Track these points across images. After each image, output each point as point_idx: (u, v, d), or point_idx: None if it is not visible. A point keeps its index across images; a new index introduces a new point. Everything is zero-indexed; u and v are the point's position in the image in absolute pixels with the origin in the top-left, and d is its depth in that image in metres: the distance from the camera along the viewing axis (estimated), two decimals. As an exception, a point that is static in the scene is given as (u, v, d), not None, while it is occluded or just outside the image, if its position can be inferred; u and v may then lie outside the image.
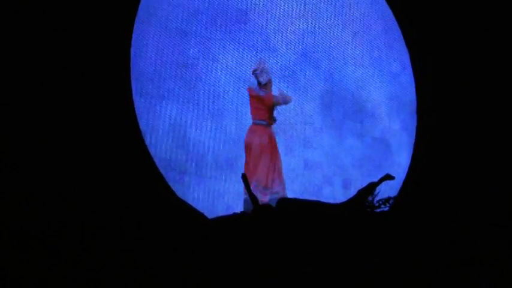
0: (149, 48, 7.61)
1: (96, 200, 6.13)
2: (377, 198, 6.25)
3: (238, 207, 7.45)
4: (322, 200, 7.02)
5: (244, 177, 6.74)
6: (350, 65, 8.94)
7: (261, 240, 5.38)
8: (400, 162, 8.83)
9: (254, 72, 8.03)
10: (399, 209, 6.32)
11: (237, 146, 7.90)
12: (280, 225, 5.63)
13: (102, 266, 5.07)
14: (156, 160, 7.28)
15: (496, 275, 5.30)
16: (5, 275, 4.89)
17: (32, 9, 6.54)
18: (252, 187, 6.99)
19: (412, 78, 9.24)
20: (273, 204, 6.60)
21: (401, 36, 9.32)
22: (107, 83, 6.91)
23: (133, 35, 7.41)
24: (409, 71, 9.29)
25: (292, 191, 8.02)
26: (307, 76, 8.62)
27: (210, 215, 6.71)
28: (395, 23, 9.29)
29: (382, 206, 6.19)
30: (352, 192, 6.72)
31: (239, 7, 8.29)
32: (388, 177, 6.53)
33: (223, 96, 7.98)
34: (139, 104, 7.37)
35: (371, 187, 6.37)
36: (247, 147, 7.82)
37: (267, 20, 8.51)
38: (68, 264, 5.07)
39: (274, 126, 8.08)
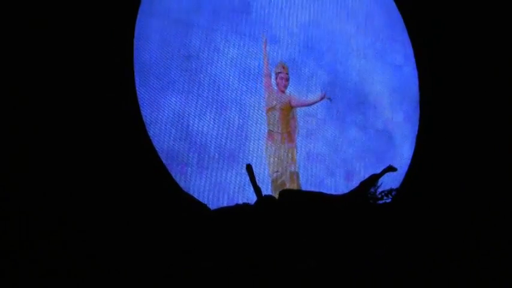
0: (152, 39, 7.60)
1: (99, 191, 6.14)
2: (379, 190, 6.23)
3: (242, 199, 7.46)
4: (325, 191, 7.02)
5: (249, 168, 6.74)
6: (353, 57, 8.95)
7: (264, 231, 5.39)
8: (402, 154, 8.84)
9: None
10: (401, 201, 6.31)
11: (240, 137, 7.90)
12: (282, 216, 5.64)
13: (104, 258, 5.09)
14: (159, 151, 7.29)
15: (498, 266, 5.32)
16: (5, 275, 4.91)
17: (35, 3, 6.55)
18: None
19: (415, 70, 9.24)
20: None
21: (405, 28, 9.32)
22: (110, 74, 6.91)
23: (137, 27, 7.42)
24: (412, 62, 9.29)
25: (295, 183, 8.07)
26: (310, 67, 8.62)
27: (212, 206, 6.72)
28: (399, 15, 9.29)
29: (385, 197, 6.17)
30: (355, 183, 6.72)
31: (242, -2, 8.31)
32: (391, 168, 6.52)
33: (226, 88, 7.97)
34: (143, 95, 7.36)
35: (373, 179, 6.35)
36: None
37: (270, 11, 8.50)
38: (70, 257, 5.08)
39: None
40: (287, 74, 8.39)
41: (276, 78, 8.33)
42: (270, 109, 8.22)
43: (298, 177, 8.15)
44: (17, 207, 5.65)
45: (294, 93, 8.40)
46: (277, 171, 8.04)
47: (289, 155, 8.17)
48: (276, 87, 8.29)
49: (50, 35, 6.59)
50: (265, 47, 8.30)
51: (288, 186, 7.95)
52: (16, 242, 5.20)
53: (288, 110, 8.31)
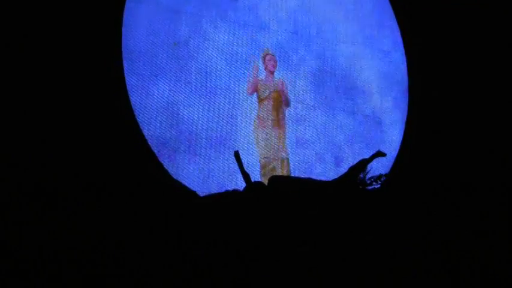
0: (140, 26, 7.58)
1: (88, 178, 6.13)
2: (369, 176, 6.25)
3: (231, 185, 7.46)
4: (314, 177, 7.03)
5: (237, 155, 6.74)
6: (342, 43, 8.94)
7: (254, 217, 5.40)
8: (391, 140, 8.85)
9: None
10: (391, 187, 6.33)
11: (229, 124, 7.90)
12: (272, 202, 5.65)
13: (95, 246, 5.08)
14: (148, 138, 7.29)
15: (488, 250, 5.35)
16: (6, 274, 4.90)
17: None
18: None
19: (404, 56, 9.25)
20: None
21: (393, 14, 9.31)
22: (98, 62, 6.89)
23: (125, 13, 7.39)
24: (400, 48, 9.30)
25: (285, 169, 8.09)
26: (298, 54, 8.61)
27: (202, 193, 6.73)
28: (387, 1, 9.29)
29: (374, 183, 6.19)
30: (344, 169, 6.72)
31: (230, -16, 8.29)
32: (380, 154, 6.52)
33: (215, 74, 7.97)
34: (131, 82, 7.35)
35: (362, 164, 6.36)
36: None
37: (258, -3, 8.51)
38: (63, 245, 5.08)
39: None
40: (273, 55, 8.39)
41: (264, 61, 8.32)
42: (262, 99, 8.23)
43: (288, 163, 8.16)
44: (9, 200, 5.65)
45: (283, 79, 8.40)
46: (267, 157, 8.05)
47: (280, 141, 8.18)
48: (265, 72, 8.29)
49: (36, 21, 6.56)
50: (256, 71, 8.29)
51: (278, 172, 7.97)
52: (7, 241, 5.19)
53: (280, 97, 8.32)
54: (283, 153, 8.12)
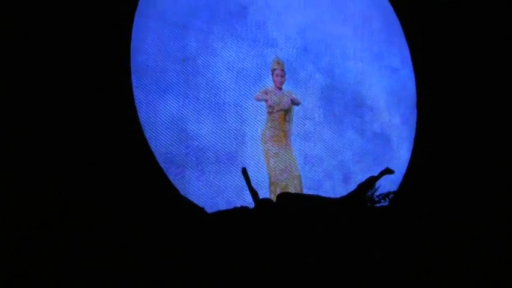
0: (149, 41, 7.58)
1: (96, 194, 6.12)
2: (377, 193, 6.23)
3: (239, 202, 7.44)
4: (322, 194, 7.02)
5: (245, 172, 6.72)
6: (350, 60, 8.95)
7: (262, 234, 5.37)
8: (400, 157, 8.86)
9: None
10: (399, 204, 6.31)
11: (238, 140, 7.89)
12: (280, 219, 5.63)
13: (101, 263, 5.07)
14: (156, 154, 7.28)
15: (496, 270, 5.31)
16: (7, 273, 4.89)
17: (32, 3, 6.54)
18: None
19: (412, 73, 9.26)
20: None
21: (402, 32, 9.33)
22: (106, 76, 6.90)
23: (133, 29, 7.40)
24: (409, 66, 9.31)
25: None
26: (307, 70, 8.62)
27: (210, 209, 6.71)
28: (396, 17, 9.31)
29: (382, 200, 6.17)
30: (352, 186, 6.70)
31: (239, 1, 8.28)
32: (388, 171, 6.51)
33: (223, 90, 7.96)
34: (139, 97, 7.34)
35: (371, 181, 6.34)
36: None
37: (267, 14, 8.50)
38: (67, 262, 5.07)
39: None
40: (282, 70, 8.39)
41: (272, 75, 8.33)
42: (271, 112, 8.23)
43: (300, 180, 8.15)
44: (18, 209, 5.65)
45: (292, 92, 8.42)
46: (279, 174, 8.05)
47: (290, 157, 8.18)
48: (273, 86, 8.31)
49: (48, 36, 6.57)
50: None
51: (291, 189, 7.97)
52: (11, 244, 5.18)
53: (286, 112, 8.31)
54: (295, 170, 8.10)
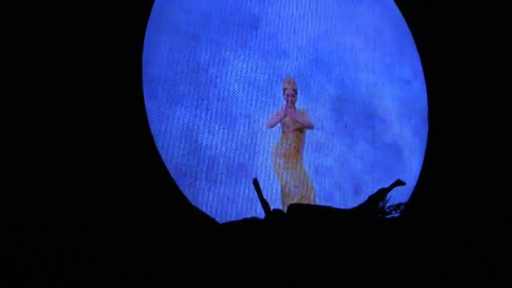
0: (161, 52, 7.61)
1: (107, 203, 6.13)
2: (388, 204, 6.21)
3: (250, 213, 7.44)
4: (333, 205, 7.00)
5: (256, 183, 6.72)
6: (362, 71, 8.96)
7: (273, 245, 5.37)
8: (411, 168, 8.83)
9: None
10: (410, 215, 6.29)
11: (249, 151, 7.90)
12: (291, 230, 5.62)
13: (112, 273, 5.08)
14: (167, 165, 7.30)
15: (510, 284, 5.28)
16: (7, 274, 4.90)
17: (47, 15, 6.58)
18: None
19: (424, 85, 9.25)
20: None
21: (413, 43, 9.33)
22: (119, 87, 6.93)
23: (145, 40, 7.44)
24: (420, 77, 9.30)
25: (304, 196, 8.08)
26: (318, 81, 8.62)
27: (221, 220, 6.71)
28: (408, 29, 9.31)
29: (393, 212, 6.15)
30: (363, 198, 6.69)
31: (251, 12, 8.31)
32: (399, 183, 6.49)
33: (235, 101, 7.98)
34: (151, 108, 7.37)
35: (382, 193, 6.32)
36: None
37: (278, 25, 8.52)
38: (76, 271, 5.08)
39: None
40: (293, 89, 8.39)
41: (283, 93, 8.35)
42: (286, 132, 8.25)
43: (314, 192, 8.15)
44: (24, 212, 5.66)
45: (305, 111, 8.42)
46: (292, 186, 8.05)
47: (301, 170, 8.17)
48: (284, 105, 8.32)
49: (62, 48, 6.62)
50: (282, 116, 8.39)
51: (305, 200, 7.96)
52: (15, 246, 5.19)
53: (301, 131, 8.32)
54: (308, 182, 8.11)
